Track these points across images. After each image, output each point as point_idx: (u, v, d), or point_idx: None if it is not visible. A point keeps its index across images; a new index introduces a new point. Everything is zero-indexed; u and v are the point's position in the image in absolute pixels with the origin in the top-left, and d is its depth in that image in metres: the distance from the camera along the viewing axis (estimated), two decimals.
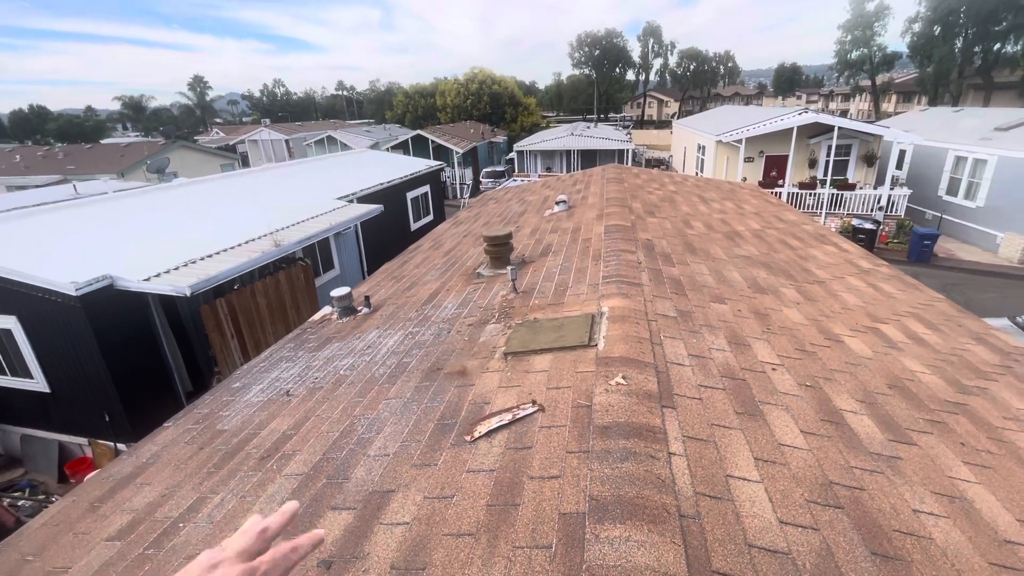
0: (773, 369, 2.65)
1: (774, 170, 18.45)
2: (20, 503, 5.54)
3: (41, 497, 5.93)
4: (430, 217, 16.09)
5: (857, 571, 1.50)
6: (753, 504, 1.70)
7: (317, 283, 9.31)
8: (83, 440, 6.86)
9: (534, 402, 2.31)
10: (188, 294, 5.95)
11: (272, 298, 8.03)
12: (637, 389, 2.23)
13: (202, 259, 6.97)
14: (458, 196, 26.45)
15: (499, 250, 4.50)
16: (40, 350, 6.49)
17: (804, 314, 3.50)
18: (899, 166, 18.06)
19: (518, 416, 2.22)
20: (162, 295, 6.33)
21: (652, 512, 1.58)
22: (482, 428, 2.20)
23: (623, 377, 2.32)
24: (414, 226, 14.83)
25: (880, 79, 46.80)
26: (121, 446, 6.54)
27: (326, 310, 4.68)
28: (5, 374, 6.86)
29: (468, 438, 2.17)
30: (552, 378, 2.49)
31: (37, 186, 19.10)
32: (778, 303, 3.64)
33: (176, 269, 6.52)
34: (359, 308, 4.42)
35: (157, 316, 6.98)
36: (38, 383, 6.67)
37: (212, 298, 7.03)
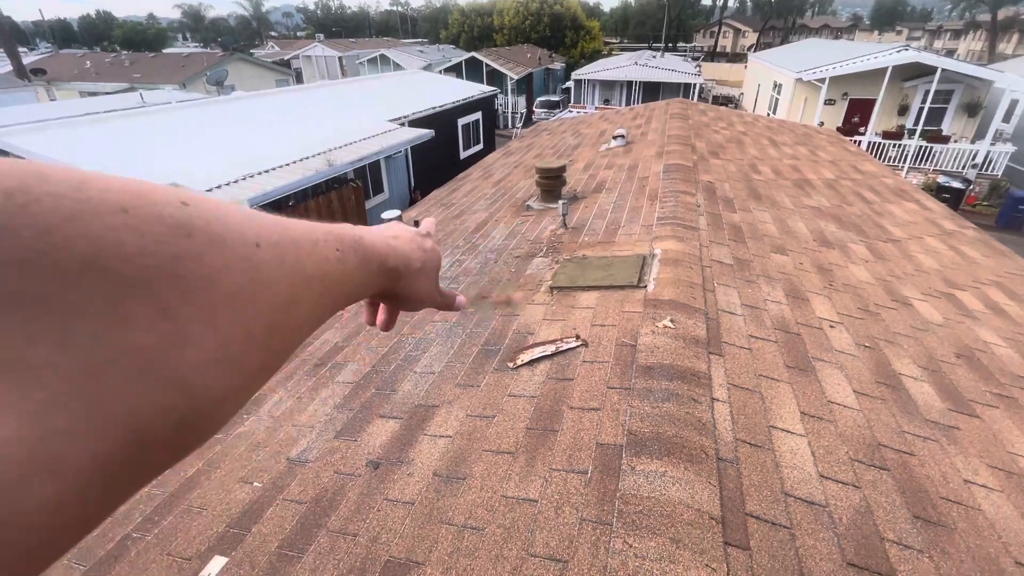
0: (831, 326, 2.54)
1: (857, 115, 16.78)
2: None
3: None
4: (480, 146, 15.76)
5: (896, 531, 1.48)
6: (794, 456, 1.69)
7: (367, 205, 9.46)
8: None
9: (578, 336, 2.32)
10: (247, 207, 6.17)
11: (324, 217, 8.25)
12: (684, 333, 2.20)
13: (259, 174, 7.16)
14: (509, 126, 25.65)
15: (551, 183, 4.37)
16: None
17: (872, 273, 3.28)
18: (1007, 119, 15.96)
19: (561, 348, 2.25)
20: None
21: (689, 451, 1.59)
22: (525, 356, 2.24)
23: (671, 320, 2.28)
24: (464, 154, 14.61)
25: (1003, 14, 40.52)
26: None
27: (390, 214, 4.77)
28: None
29: (511, 364, 2.22)
30: (597, 315, 2.47)
31: (107, 93, 19.81)
32: (844, 259, 3.42)
33: (236, 182, 6.74)
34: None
35: None
36: None
37: (270, 212, 7.28)
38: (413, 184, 11.42)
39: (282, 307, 0.24)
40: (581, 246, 3.40)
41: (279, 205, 7.33)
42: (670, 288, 2.56)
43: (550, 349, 2.25)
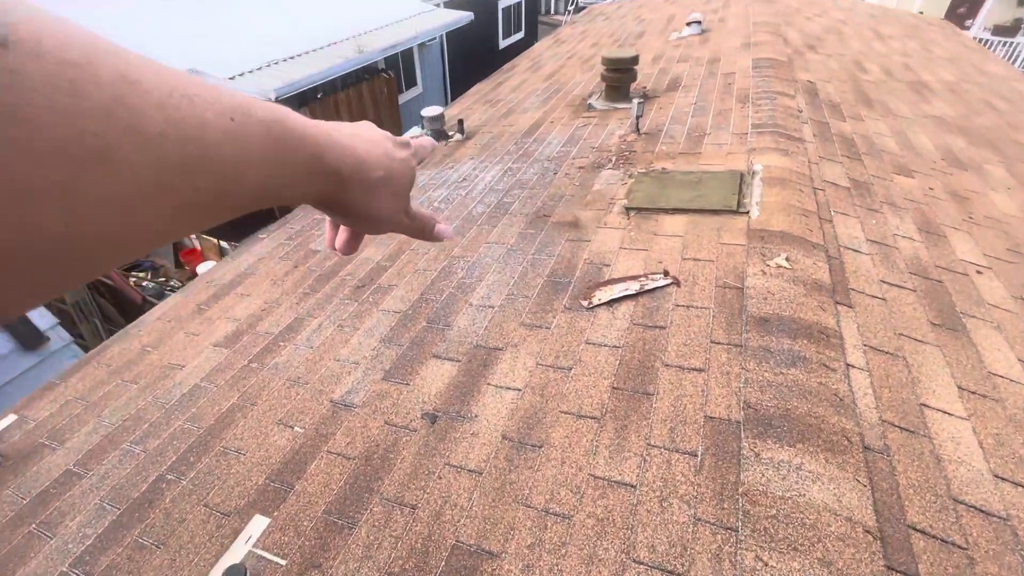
0: (978, 272, 2.06)
1: (965, 4, 14.24)
2: (144, 283, 6.27)
3: (162, 279, 6.67)
4: (521, 34, 14.20)
5: None
6: (957, 446, 1.34)
7: (400, 100, 8.72)
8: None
9: (666, 272, 1.92)
10: (273, 98, 5.65)
11: (355, 112, 7.63)
12: (804, 276, 1.77)
13: (284, 60, 6.50)
14: (552, 11, 23.06)
15: (619, 78, 3.70)
16: None
17: (1019, 203, 2.69)
18: None
19: (647, 287, 1.87)
20: None
21: (829, 438, 1.26)
22: (602, 295, 1.88)
23: (786, 258, 1.85)
24: (503, 43, 13.21)
25: None
26: (224, 244, 7.04)
27: (414, 131, 4.25)
28: None
29: (585, 303, 1.86)
30: (689, 246, 2.05)
31: None
32: (983, 184, 2.81)
33: (259, 69, 6.14)
34: (451, 133, 3.95)
35: None
36: None
37: (296, 107, 6.73)
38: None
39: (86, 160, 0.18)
40: (659, 157, 2.87)
41: (305, 98, 6.74)
42: (779, 216, 2.09)
43: (633, 287, 1.87)
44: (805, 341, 1.53)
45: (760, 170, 2.46)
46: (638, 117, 3.08)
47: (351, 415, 1.62)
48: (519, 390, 1.57)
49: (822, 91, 3.63)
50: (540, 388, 1.56)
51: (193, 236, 7.46)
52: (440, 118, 3.86)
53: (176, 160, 0.21)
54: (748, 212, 2.16)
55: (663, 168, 2.72)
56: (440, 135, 3.92)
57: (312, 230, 2.98)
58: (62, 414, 1.94)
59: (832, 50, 4.74)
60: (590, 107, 3.86)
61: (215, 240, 7.06)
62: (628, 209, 2.39)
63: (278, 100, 5.64)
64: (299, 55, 6.69)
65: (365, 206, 0.38)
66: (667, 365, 1.54)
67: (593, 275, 2.01)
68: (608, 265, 2.05)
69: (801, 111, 3.17)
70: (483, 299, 2.03)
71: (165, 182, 0.21)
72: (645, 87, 4.04)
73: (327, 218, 0.45)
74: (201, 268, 6.21)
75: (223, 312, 2.36)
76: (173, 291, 6.40)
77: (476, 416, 1.51)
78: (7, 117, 0.16)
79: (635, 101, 3.03)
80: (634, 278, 1.93)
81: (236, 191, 0.26)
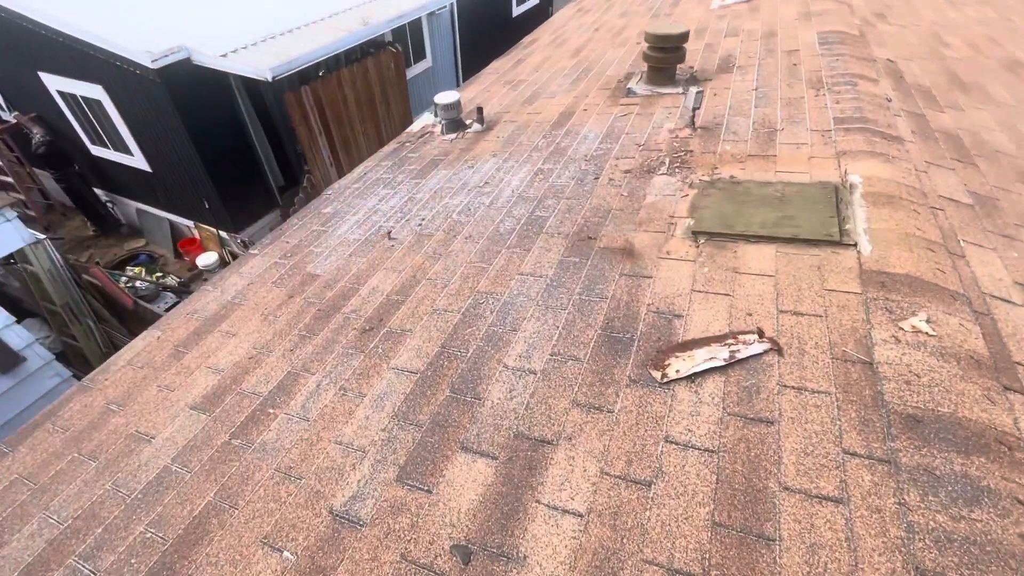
0: None
1: None
2: (138, 283, 5.91)
3: (158, 275, 6.32)
4: (536, 0, 13.33)
5: None
6: None
7: (408, 75, 8.12)
8: (189, 222, 7.05)
9: (761, 333, 1.48)
10: (270, 78, 5.15)
11: (360, 90, 7.08)
12: (953, 346, 1.33)
13: (281, 34, 5.95)
14: None
15: (665, 58, 3.17)
16: (131, 126, 6.22)
17: None
18: None
19: (738, 355, 1.43)
20: (245, 80, 5.61)
21: None
22: (680, 364, 1.45)
23: (926, 320, 1.40)
24: (517, 10, 12.39)
25: None
26: (223, 234, 6.64)
27: (427, 119, 3.77)
28: (108, 147, 6.82)
29: (657, 375, 1.44)
30: (784, 292, 1.60)
31: None
32: None
33: (254, 45, 5.61)
34: (468, 123, 3.47)
35: (242, 103, 6.36)
36: (138, 160, 6.59)
37: (297, 85, 6.21)
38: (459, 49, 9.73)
39: None
40: (723, 160, 2.39)
41: (306, 76, 6.20)
42: (899, 251, 1.63)
43: (721, 355, 1.44)
44: (981, 458, 1.10)
45: (859, 183, 1.98)
46: (695, 109, 2.58)
47: (357, 539, 1.23)
48: (581, 516, 1.16)
49: (907, 73, 3.08)
50: (611, 515, 1.15)
51: (191, 225, 7.07)
52: (456, 106, 3.37)
53: None
54: (856, 245, 1.70)
55: (731, 176, 2.24)
56: (456, 125, 3.43)
57: (311, 245, 2.56)
58: (2, 503, 1.57)
59: (904, 19, 4.12)
60: (630, 92, 3.34)
61: (213, 230, 6.67)
62: (696, 233, 1.94)
63: (275, 80, 5.13)
64: (298, 28, 6.14)
65: None
66: (787, 489, 1.12)
67: (662, 330, 1.58)
68: (680, 316, 1.61)
69: (890, 100, 2.64)
70: (521, 359, 1.60)
71: None
72: (692, 67, 3.49)
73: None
74: (202, 260, 5.85)
75: (204, 357, 1.97)
76: (168, 291, 6.05)
77: (525, 558, 1.11)
78: None
79: (692, 90, 2.53)
80: (719, 339, 1.49)
81: None
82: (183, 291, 5.87)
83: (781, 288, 1.62)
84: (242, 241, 6.41)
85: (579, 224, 2.18)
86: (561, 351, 1.60)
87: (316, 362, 1.81)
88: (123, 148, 6.58)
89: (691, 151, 2.51)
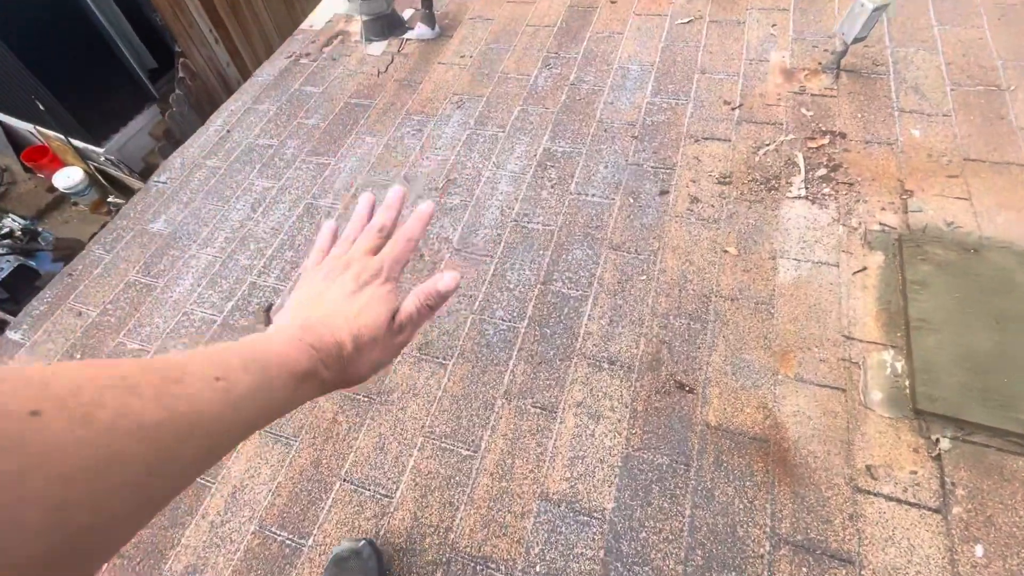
0: None
1: None
2: None
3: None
4: None
5: None
6: None
7: None
8: (29, 126, 5.11)
9: None
10: None
11: None
12: None
13: None
14: None
15: None
16: None
17: None
18: None
19: None
20: None
21: None
22: None
23: None
24: None
25: None
26: (77, 142, 4.84)
27: (336, 5, 2.20)
28: None
29: None
30: None
31: None
32: None
33: None
34: (408, 25, 1.99)
35: None
36: None
37: None
38: None
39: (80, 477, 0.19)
40: (911, 163, 1.23)
41: None
42: None
43: None
44: None
45: None
46: (847, 46, 1.31)
47: None
48: None
49: None
50: None
51: (36, 129, 5.17)
52: None
53: (171, 441, 0.23)
54: None
55: (950, 222, 1.12)
56: (387, 25, 1.96)
57: (126, 320, 1.35)
58: None
59: None
60: None
61: (62, 138, 4.85)
62: (920, 416, 0.90)
63: None
64: None
65: (356, 373, 0.35)
66: None
67: None
68: None
69: None
70: None
71: (158, 468, 0.23)
72: None
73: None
74: (60, 179, 4.31)
75: None
76: (3, 241, 4.35)
77: None
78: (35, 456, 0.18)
79: (866, 5, 1.25)
80: None
81: (224, 442, 0.26)
82: (29, 244, 4.20)
83: None
84: (109, 159, 4.70)
85: (649, 351, 1.07)
86: None
87: None
88: None
89: (841, 134, 1.32)
